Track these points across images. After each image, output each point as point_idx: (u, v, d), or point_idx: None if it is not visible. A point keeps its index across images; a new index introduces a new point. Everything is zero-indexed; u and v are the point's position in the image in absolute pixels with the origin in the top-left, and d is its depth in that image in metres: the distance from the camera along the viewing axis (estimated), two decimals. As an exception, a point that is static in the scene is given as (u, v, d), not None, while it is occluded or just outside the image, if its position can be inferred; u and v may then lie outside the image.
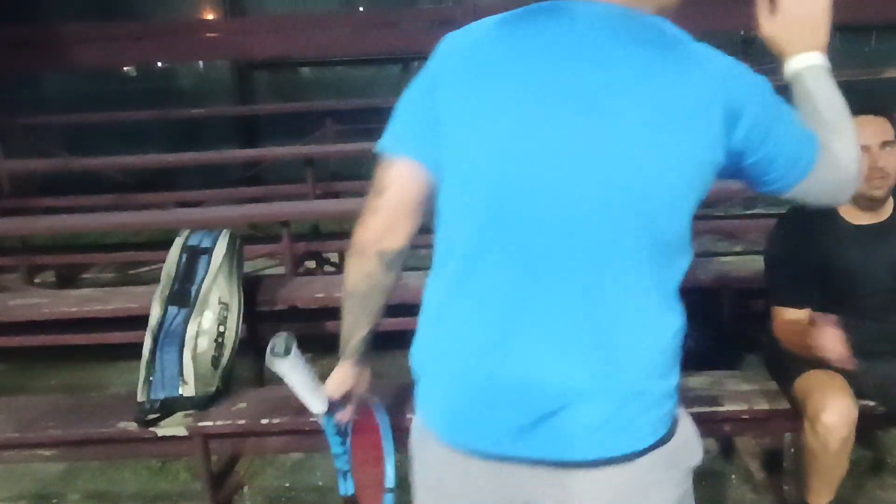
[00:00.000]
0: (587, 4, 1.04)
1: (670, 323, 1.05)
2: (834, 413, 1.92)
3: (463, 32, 1.10)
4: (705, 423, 2.25)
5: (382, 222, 1.14)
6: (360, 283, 1.19)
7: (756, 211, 5.04)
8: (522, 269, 1.02)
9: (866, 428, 2.41)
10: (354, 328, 1.24)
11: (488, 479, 1.10)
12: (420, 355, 1.14)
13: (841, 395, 1.96)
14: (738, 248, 4.39)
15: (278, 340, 1.20)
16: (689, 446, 1.12)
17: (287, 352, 1.20)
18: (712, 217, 4.53)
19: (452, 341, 1.08)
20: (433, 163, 1.09)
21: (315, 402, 1.29)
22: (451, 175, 1.07)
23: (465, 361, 1.07)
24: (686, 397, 2.23)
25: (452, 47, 1.09)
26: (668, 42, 1.01)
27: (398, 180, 1.12)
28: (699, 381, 2.33)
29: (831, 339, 1.85)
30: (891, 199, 2.10)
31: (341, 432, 1.35)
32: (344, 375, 1.29)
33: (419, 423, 1.18)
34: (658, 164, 0.98)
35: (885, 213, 2.08)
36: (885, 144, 1.98)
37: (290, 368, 1.22)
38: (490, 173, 1.02)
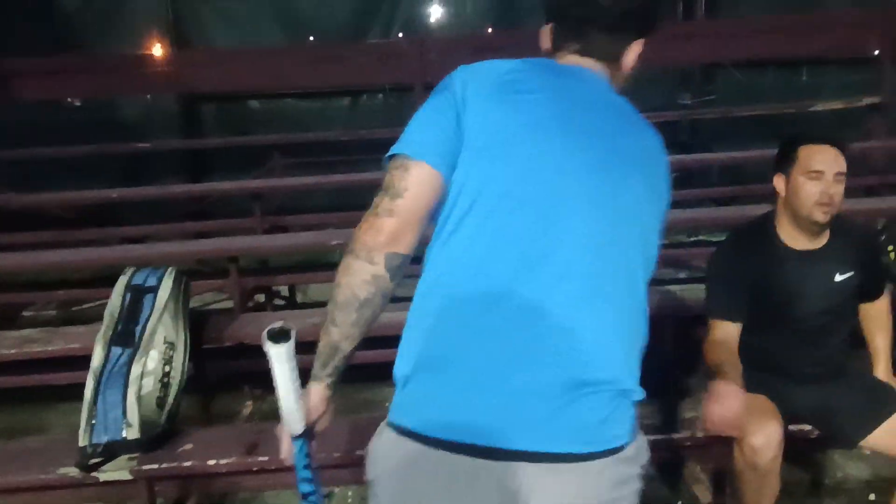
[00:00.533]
0: (584, 70, 1.26)
1: (645, 336, 1.20)
2: (760, 436, 1.98)
3: (486, 66, 1.22)
4: (651, 451, 2.32)
5: (397, 225, 1.14)
6: (361, 288, 1.15)
7: (699, 238, 5.17)
8: (540, 275, 1.10)
9: (804, 450, 2.50)
10: (342, 342, 1.18)
11: (483, 482, 1.09)
12: (419, 354, 1.13)
13: (767, 418, 2.03)
14: (682, 275, 4.49)
15: (278, 326, 1.12)
16: (645, 446, 1.22)
17: (285, 338, 1.11)
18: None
19: (467, 337, 1.10)
20: (448, 175, 1.15)
21: (294, 418, 1.18)
22: (475, 191, 1.13)
23: (481, 355, 1.09)
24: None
25: (479, 77, 1.20)
26: (637, 115, 1.27)
27: (418, 184, 1.14)
28: (642, 409, 2.37)
29: (725, 407, 1.83)
30: (832, 227, 2.18)
31: (311, 466, 1.24)
32: (318, 399, 1.22)
33: (395, 433, 1.14)
34: (651, 206, 1.22)
35: (822, 241, 2.17)
36: (838, 175, 2.07)
37: (284, 359, 1.12)
38: (520, 195, 1.12)
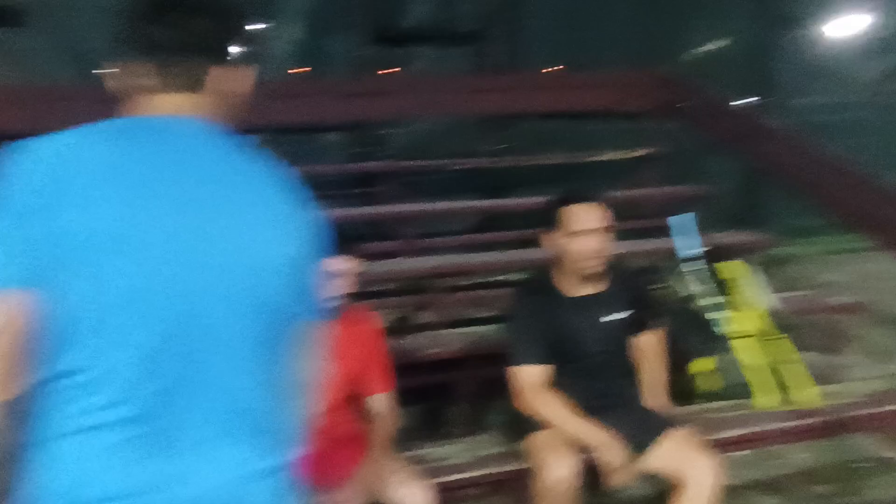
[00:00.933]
0: (179, 120, 1.11)
1: (308, 388, 1.19)
2: (556, 469, 2.14)
3: (54, 144, 1.02)
4: (455, 490, 2.40)
5: (3, 369, 0.97)
6: None
7: (500, 278, 5.39)
8: (183, 384, 1.02)
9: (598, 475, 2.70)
10: None
11: None
12: (73, 496, 0.98)
13: (563, 451, 2.18)
14: (484, 315, 4.66)
15: None
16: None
17: None
18: (461, 287, 4.80)
19: (130, 463, 0.99)
20: (40, 294, 0.98)
21: None
22: (87, 297, 0.99)
23: (151, 476, 1.00)
24: (435, 466, 2.37)
25: (49, 161, 1.01)
26: (247, 154, 1.14)
27: (12, 317, 0.97)
28: (448, 449, 2.47)
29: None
30: (607, 273, 2.39)
31: None
32: None
33: None
34: (288, 256, 1.11)
35: (599, 286, 2.38)
36: (602, 228, 2.28)
37: None
38: (146, 293, 1.00)
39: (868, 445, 3.19)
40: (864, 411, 3.04)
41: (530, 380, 2.28)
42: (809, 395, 2.99)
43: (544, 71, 6.82)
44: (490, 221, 5.95)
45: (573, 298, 2.34)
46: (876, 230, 3.76)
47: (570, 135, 6.90)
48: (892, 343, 4.08)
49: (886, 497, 2.93)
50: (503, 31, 7.09)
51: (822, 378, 3.22)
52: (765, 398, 2.91)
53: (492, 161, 6.32)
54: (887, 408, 3.06)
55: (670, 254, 3.28)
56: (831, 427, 2.96)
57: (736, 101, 6.15)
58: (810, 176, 4.07)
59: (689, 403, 2.91)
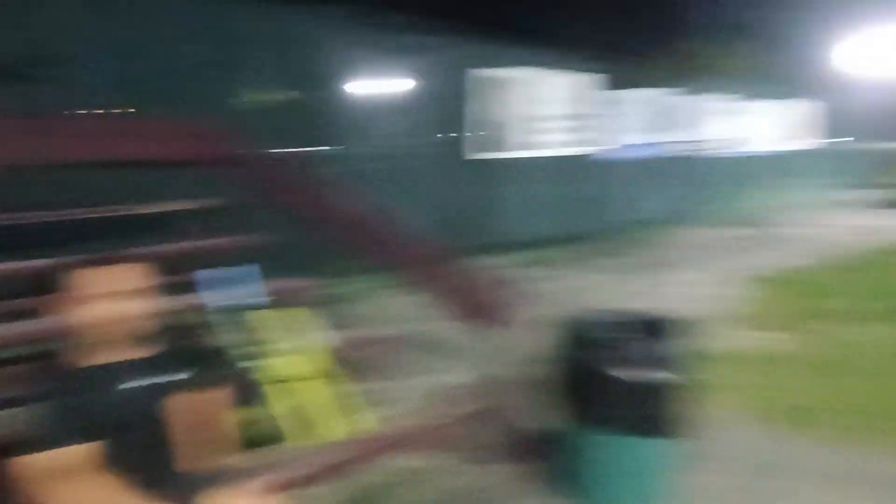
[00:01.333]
0: None
1: None
2: None
3: None
4: None
5: None
6: None
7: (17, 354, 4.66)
8: None
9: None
10: None
11: None
12: None
13: None
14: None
15: None
16: None
17: None
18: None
19: None
20: None
21: None
22: None
23: None
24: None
25: None
26: None
27: None
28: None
29: None
30: (146, 335, 2.19)
31: None
32: None
33: None
34: None
35: (137, 351, 2.16)
36: (123, 292, 2.07)
37: None
38: None
39: (407, 457, 3.56)
40: (408, 429, 3.41)
41: (52, 466, 1.98)
42: (366, 422, 3.22)
43: (78, 114, 6.32)
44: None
45: (98, 368, 2.10)
46: (394, 269, 4.18)
47: (124, 186, 6.48)
48: (425, 365, 4.66)
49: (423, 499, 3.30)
50: (50, 73, 6.40)
51: (377, 404, 3.50)
52: (312, 435, 3.02)
53: (12, 217, 5.49)
54: (420, 423, 3.47)
55: (219, 307, 3.22)
56: (385, 447, 3.24)
57: (281, 151, 6.43)
58: (335, 222, 4.32)
59: (242, 454, 2.86)
